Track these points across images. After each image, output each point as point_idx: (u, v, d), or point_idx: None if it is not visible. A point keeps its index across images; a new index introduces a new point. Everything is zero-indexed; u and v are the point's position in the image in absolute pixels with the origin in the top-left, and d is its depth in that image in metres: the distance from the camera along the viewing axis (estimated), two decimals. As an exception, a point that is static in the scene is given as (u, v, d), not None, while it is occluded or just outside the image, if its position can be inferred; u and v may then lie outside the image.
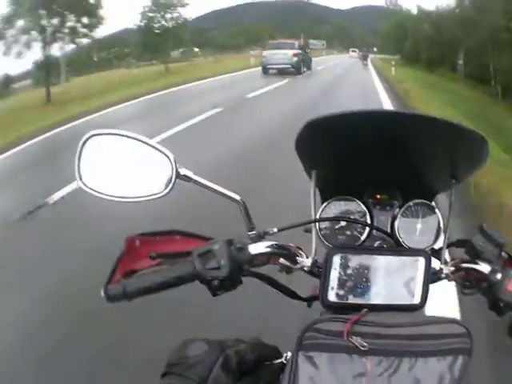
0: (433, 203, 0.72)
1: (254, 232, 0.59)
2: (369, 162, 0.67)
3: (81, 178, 0.58)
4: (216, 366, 0.48)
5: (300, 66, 17.29)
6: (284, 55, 16.95)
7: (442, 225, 0.69)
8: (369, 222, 0.71)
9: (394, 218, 0.71)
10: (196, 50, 49.73)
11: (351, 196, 0.72)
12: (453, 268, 0.63)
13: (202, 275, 0.52)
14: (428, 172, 0.70)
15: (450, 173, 0.68)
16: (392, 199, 0.73)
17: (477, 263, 0.61)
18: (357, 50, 37.28)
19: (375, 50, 55.05)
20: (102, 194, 0.58)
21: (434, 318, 0.55)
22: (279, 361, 0.57)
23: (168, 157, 0.57)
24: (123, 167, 0.58)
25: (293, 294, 0.68)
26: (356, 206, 0.72)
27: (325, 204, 0.73)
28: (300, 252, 0.63)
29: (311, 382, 0.50)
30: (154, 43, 23.84)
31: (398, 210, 0.71)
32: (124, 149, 0.58)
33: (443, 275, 0.63)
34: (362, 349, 0.50)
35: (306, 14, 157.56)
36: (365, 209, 0.72)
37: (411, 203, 0.71)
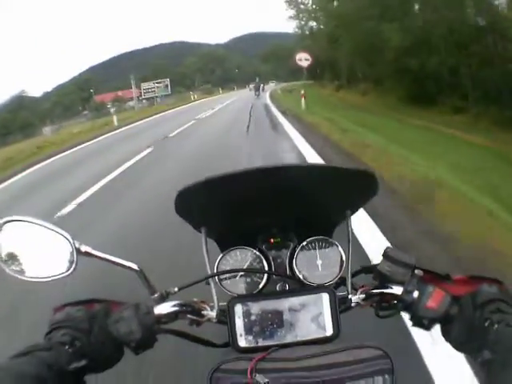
0: (330, 237, 0.72)
1: (156, 295, 0.62)
2: (256, 211, 0.66)
3: (2, 261, 0.61)
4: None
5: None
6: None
7: (343, 255, 0.69)
8: (266, 267, 0.70)
9: (291, 259, 0.70)
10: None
11: (245, 244, 0.71)
12: (363, 295, 0.64)
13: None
14: (321, 210, 0.70)
15: (345, 206, 0.68)
16: (286, 241, 0.72)
17: (388, 287, 0.62)
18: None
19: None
20: (21, 275, 0.61)
21: (349, 345, 0.55)
22: None
23: (67, 238, 0.61)
24: (35, 249, 0.63)
25: (206, 343, 0.69)
26: (252, 253, 0.71)
27: (221, 256, 0.71)
28: (204, 305, 0.65)
29: None
30: None
31: (294, 250, 0.71)
32: (34, 232, 0.62)
33: (353, 304, 0.64)
34: None
35: (184, 54, 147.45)
36: (260, 255, 0.70)
37: (305, 242, 0.70)
